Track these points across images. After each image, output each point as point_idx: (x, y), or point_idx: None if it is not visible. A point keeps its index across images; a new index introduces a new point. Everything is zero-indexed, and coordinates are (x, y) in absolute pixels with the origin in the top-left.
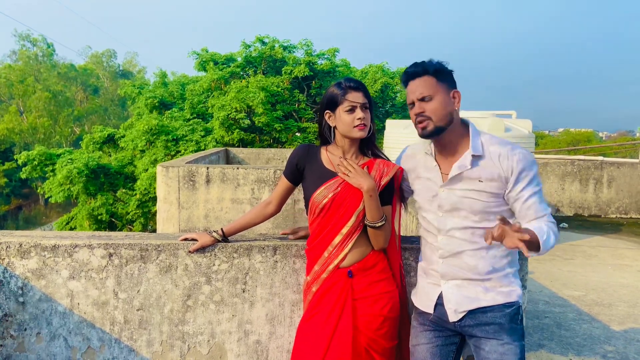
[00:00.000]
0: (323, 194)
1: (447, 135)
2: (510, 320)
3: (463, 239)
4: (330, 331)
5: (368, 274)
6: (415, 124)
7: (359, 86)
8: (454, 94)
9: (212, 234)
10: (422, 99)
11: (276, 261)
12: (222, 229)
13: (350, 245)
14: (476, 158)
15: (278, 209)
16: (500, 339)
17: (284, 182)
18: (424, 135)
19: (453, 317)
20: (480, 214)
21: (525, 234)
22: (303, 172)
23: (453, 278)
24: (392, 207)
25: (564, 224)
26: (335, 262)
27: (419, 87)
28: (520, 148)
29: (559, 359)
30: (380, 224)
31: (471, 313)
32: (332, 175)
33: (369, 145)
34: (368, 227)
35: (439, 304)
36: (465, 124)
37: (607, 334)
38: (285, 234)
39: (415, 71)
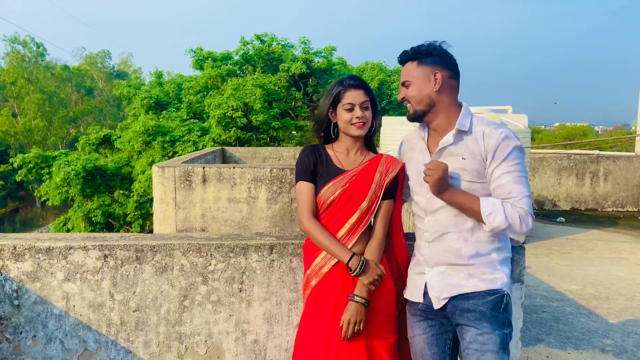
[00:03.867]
0: (331, 190)
1: (435, 118)
2: (492, 308)
3: (447, 220)
4: (333, 332)
5: None
6: None
7: (359, 84)
8: (435, 75)
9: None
10: (404, 84)
11: (273, 260)
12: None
13: (354, 240)
14: (461, 134)
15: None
16: (480, 328)
17: (308, 187)
18: (408, 119)
19: (436, 304)
20: None
21: (431, 173)
22: (315, 171)
23: (437, 264)
24: (398, 202)
25: (561, 218)
26: None
27: (402, 73)
28: (505, 128)
29: (557, 353)
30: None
31: (454, 299)
32: (340, 172)
33: (372, 142)
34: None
35: (427, 292)
36: (460, 106)
37: (605, 327)
38: None
39: (401, 58)
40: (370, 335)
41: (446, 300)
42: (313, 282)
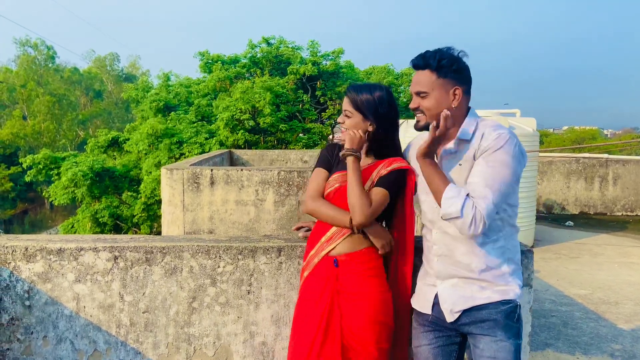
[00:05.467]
0: (331, 183)
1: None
2: (505, 317)
3: (455, 233)
4: (319, 328)
5: (354, 267)
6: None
7: (347, 92)
8: (455, 91)
9: None
10: (419, 94)
11: (281, 262)
12: None
13: (346, 235)
14: (463, 142)
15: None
16: (494, 336)
17: (322, 173)
18: (416, 128)
19: (449, 317)
20: None
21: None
22: (331, 163)
23: (448, 277)
24: (407, 209)
25: (570, 222)
26: (328, 248)
27: (418, 81)
28: (503, 129)
29: (566, 358)
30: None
31: (467, 311)
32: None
33: (379, 148)
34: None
35: (436, 303)
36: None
37: (614, 332)
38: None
39: (417, 64)
40: (350, 341)
41: (459, 313)
42: (305, 273)
